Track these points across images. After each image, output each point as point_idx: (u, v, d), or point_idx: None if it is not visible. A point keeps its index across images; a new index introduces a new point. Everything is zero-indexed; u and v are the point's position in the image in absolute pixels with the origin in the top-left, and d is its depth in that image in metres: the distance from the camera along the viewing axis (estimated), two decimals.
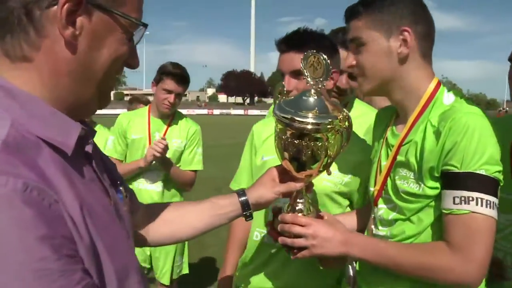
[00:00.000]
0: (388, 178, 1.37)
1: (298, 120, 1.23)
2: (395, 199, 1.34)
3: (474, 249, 1.16)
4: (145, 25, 0.83)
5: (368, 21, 1.32)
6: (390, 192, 1.36)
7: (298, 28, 1.71)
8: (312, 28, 1.72)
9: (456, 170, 1.18)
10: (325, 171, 1.34)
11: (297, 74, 1.61)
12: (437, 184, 1.24)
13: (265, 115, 2.41)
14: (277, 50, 1.70)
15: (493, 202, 1.17)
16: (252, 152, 1.93)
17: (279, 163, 1.36)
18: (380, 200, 1.40)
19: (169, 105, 3.03)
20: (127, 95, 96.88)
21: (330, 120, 1.24)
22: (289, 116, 1.24)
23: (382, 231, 1.39)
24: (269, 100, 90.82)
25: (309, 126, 1.22)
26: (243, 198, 1.31)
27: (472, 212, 1.16)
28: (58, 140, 0.74)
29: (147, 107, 3.29)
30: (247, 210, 1.31)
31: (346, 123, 1.29)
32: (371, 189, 1.45)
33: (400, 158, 1.34)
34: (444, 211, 1.21)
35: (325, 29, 1.89)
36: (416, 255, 1.25)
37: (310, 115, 1.23)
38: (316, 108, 1.24)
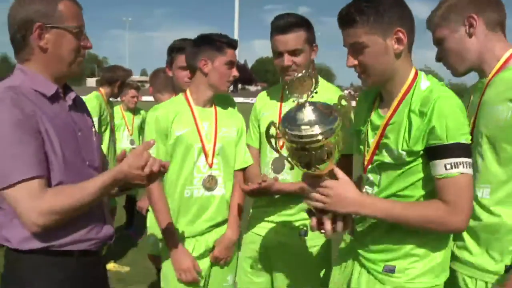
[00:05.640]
0: (376, 151, 1.61)
1: (307, 135, 1.36)
2: (381, 168, 1.60)
3: (463, 203, 1.47)
4: (79, 27, 1.57)
5: (366, 27, 1.50)
6: (377, 163, 1.61)
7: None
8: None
9: (444, 143, 1.44)
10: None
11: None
12: (416, 156, 1.51)
13: (248, 102, 2.47)
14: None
15: (470, 162, 1.47)
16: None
17: None
18: (369, 169, 1.65)
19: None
20: None
21: (333, 126, 1.38)
22: (298, 133, 1.36)
23: (371, 190, 1.65)
24: (252, 88, 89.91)
25: (320, 137, 1.36)
26: None
27: (461, 174, 1.44)
28: (43, 91, 1.54)
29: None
30: None
31: (348, 112, 1.46)
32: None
33: (385, 136, 1.58)
34: (437, 177, 1.48)
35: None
36: (417, 210, 1.52)
37: (316, 128, 1.36)
38: (318, 120, 1.38)
